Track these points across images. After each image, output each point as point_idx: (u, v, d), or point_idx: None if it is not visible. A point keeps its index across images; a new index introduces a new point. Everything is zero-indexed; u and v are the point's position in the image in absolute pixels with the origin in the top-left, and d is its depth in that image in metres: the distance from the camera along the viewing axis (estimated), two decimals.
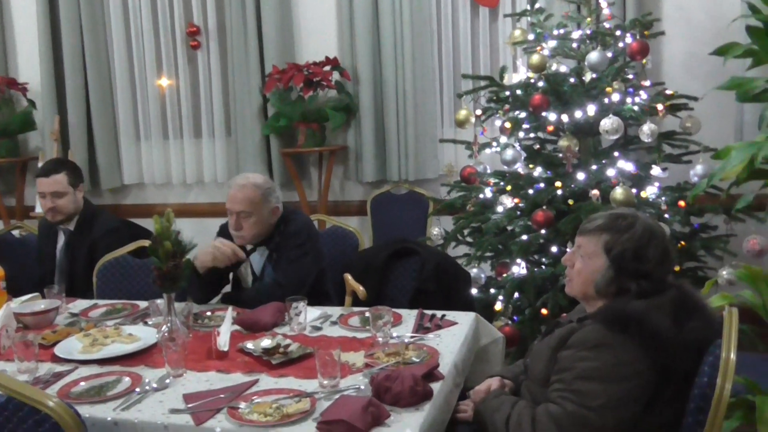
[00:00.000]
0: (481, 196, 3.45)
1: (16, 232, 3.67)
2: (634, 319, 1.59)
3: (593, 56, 3.08)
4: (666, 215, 3.09)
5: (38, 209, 4.70)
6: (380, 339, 2.07)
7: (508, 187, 3.35)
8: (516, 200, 3.31)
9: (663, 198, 3.15)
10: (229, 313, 2.18)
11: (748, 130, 3.60)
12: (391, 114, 4.45)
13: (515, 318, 3.18)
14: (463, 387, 2.02)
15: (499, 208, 3.36)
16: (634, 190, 3.18)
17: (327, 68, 4.38)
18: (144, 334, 2.16)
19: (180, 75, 5.02)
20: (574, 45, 3.31)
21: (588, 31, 3.25)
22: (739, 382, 2.14)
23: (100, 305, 2.63)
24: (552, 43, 3.37)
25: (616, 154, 3.21)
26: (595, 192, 3.07)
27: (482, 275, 3.37)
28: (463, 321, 2.26)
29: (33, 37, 5.08)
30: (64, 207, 3.07)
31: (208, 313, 2.41)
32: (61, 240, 3.19)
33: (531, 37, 3.42)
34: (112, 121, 5.15)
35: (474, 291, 3.48)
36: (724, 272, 2.94)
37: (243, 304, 2.49)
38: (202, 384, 1.80)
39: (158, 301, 2.30)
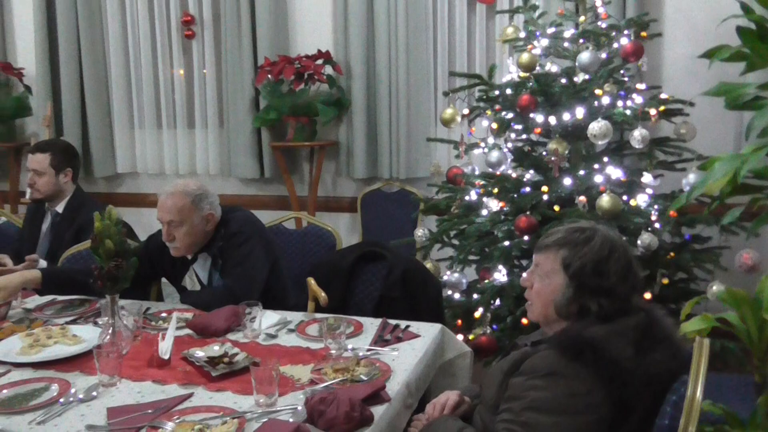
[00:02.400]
0: (467, 197, 3.33)
1: None
2: (590, 345, 1.46)
3: (584, 56, 2.94)
4: (656, 224, 2.95)
5: (28, 195, 4.69)
6: (333, 351, 1.97)
7: (495, 190, 3.23)
8: (501, 204, 3.18)
9: (655, 207, 3.00)
10: (174, 318, 2.08)
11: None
12: (384, 110, 4.34)
13: (494, 326, 3.06)
14: (424, 401, 1.91)
15: (484, 211, 3.24)
16: (624, 197, 3.05)
17: (319, 62, 4.27)
18: (90, 336, 2.07)
19: (174, 64, 4.96)
20: (566, 44, 3.16)
21: (576, 31, 3.10)
22: (715, 413, 2.00)
23: (58, 300, 2.54)
24: (545, 42, 3.23)
25: (605, 159, 3.07)
26: (582, 198, 2.93)
27: (463, 280, 3.25)
28: (427, 334, 2.14)
29: (30, 23, 5.04)
30: (42, 186, 3.13)
31: (164, 314, 2.32)
32: (47, 222, 3.18)
33: (523, 35, 3.28)
34: (107, 109, 5.10)
35: (456, 296, 3.38)
36: (714, 287, 2.80)
37: (198, 308, 2.39)
38: (133, 396, 1.71)
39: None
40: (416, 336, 2.12)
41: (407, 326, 2.19)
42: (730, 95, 1.90)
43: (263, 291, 2.46)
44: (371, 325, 2.21)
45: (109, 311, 1.99)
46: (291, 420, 1.53)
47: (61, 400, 1.66)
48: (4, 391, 1.72)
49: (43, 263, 2.94)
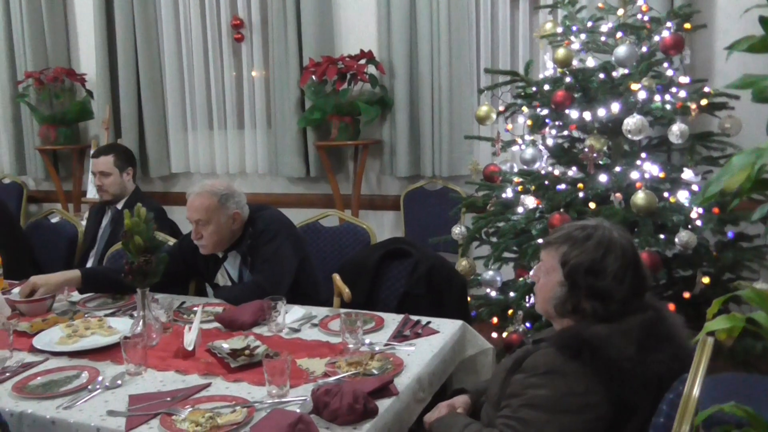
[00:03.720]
0: (504, 195, 3.31)
1: (54, 218, 3.80)
2: (589, 345, 1.44)
3: (621, 50, 2.87)
4: (698, 222, 2.86)
5: (89, 194, 4.96)
6: (351, 346, 2.01)
7: (532, 187, 3.19)
8: (537, 201, 3.15)
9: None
10: (199, 312, 2.17)
11: None
12: (426, 108, 4.35)
13: (528, 325, 3.03)
14: (443, 396, 1.93)
15: (520, 209, 3.22)
16: (666, 194, 2.97)
17: (362, 61, 4.32)
18: (124, 328, 2.19)
19: (225, 67, 5.10)
20: (603, 38, 3.09)
21: (614, 24, 3.03)
22: (738, 414, 1.93)
23: (101, 294, 2.68)
24: (583, 37, 3.18)
25: (643, 155, 2.99)
26: (618, 195, 2.87)
27: (498, 278, 3.23)
28: (447, 330, 2.16)
29: (91, 31, 5.29)
30: (110, 186, 3.36)
31: (196, 308, 2.41)
32: (107, 219, 3.36)
33: (560, 30, 3.23)
34: (162, 111, 5.29)
35: (493, 294, 3.36)
36: (757, 286, 2.68)
37: (229, 303, 2.47)
38: (156, 385, 1.80)
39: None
40: (435, 332, 2.13)
41: (428, 322, 2.21)
42: (755, 87, 1.82)
43: (292, 286, 2.53)
44: (393, 320, 2.24)
45: (139, 304, 2.09)
46: (298, 410, 1.58)
47: (89, 387, 1.76)
48: (39, 378, 1.83)
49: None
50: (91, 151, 4.75)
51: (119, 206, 3.34)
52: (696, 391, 1.31)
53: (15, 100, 5.51)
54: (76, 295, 2.68)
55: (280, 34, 4.67)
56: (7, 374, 1.87)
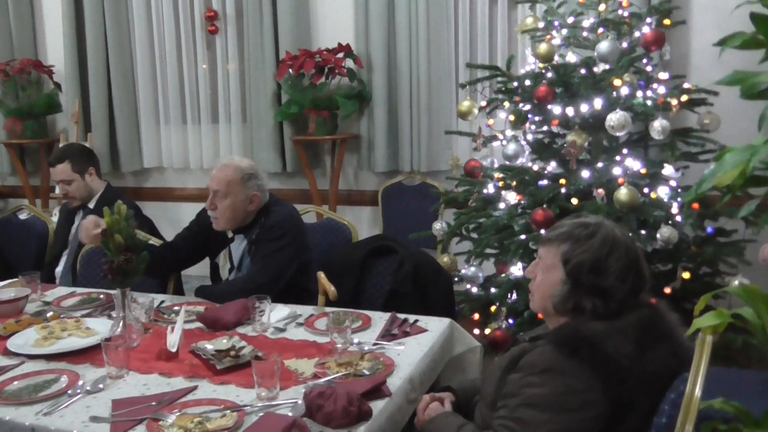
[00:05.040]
0: (485, 191, 3.29)
1: (23, 215, 3.69)
2: (588, 342, 1.43)
3: (603, 46, 2.87)
4: (678, 218, 2.88)
5: (57, 191, 4.82)
6: (339, 345, 1.97)
7: (514, 183, 3.18)
8: (519, 197, 3.14)
9: (678, 199, 2.93)
10: (182, 312, 2.11)
11: None
12: (404, 103, 4.33)
13: (511, 321, 3.02)
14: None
15: (502, 205, 3.21)
16: (646, 190, 2.98)
17: (339, 55, 4.27)
18: (103, 329, 2.11)
19: (198, 60, 5.01)
20: (585, 34, 3.09)
21: (595, 20, 3.03)
22: (728, 411, 1.95)
23: (77, 294, 2.60)
24: (564, 32, 3.17)
25: (625, 151, 3.01)
26: (600, 191, 2.88)
27: (480, 274, 3.22)
28: (435, 328, 2.13)
29: (59, 20, 5.14)
30: (75, 192, 3.22)
31: (177, 308, 2.35)
32: (79, 218, 3.27)
33: (542, 25, 3.22)
34: (133, 104, 5.18)
35: (474, 290, 3.35)
36: (736, 282, 2.72)
37: (214, 299, 2.42)
38: (139, 388, 1.74)
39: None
40: (424, 330, 2.11)
41: (416, 321, 2.19)
42: (745, 84, 1.82)
43: (289, 288, 2.49)
44: (380, 319, 2.21)
45: (119, 305, 2.02)
46: (290, 414, 1.54)
47: (69, 391, 1.69)
48: (15, 382, 1.76)
49: None
50: (60, 145, 4.62)
51: (91, 206, 3.23)
52: (698, 391, 1.30)
53: None
54: (49, 295, 2.59)
55: (256, 26, 4.59)
56: None
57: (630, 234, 2.59)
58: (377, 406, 1.61)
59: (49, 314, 2.32)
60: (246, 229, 2.60)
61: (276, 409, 1.58)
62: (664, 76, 3.08)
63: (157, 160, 5.26)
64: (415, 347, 1.98)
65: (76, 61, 5.11)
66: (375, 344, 2.00)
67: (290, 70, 4.30)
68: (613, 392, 1.41)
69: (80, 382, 1.74)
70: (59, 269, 3.17)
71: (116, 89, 5.07)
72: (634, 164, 2.89)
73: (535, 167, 3.21)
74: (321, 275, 2.39)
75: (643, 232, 2.89)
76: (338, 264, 2.54)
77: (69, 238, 3.23)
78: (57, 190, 4.57)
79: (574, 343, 1.44)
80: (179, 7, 4.97)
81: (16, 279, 2.61)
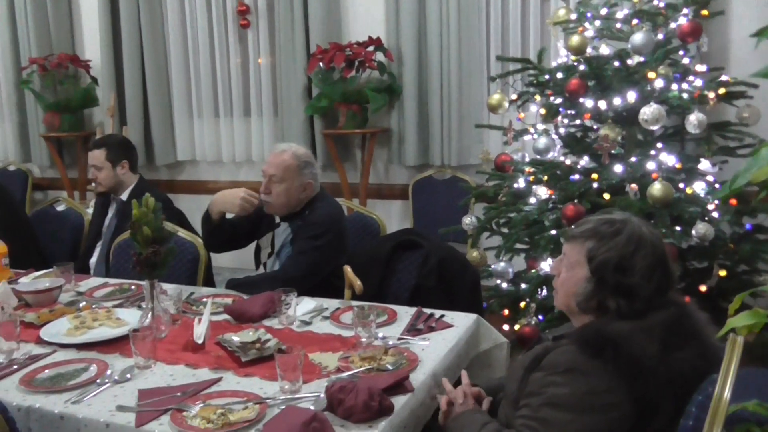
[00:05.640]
0: (515, 185, 3.26)
1: (60, 206, 3.76)
2: (612, 342, 1.40)
3: (637, 38, 2.81)
4: (714, 214, 2.81)
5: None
6: (364, 339, 1.97)
7: (545, 177, 3.14)
8: (550, 192, 3.10)
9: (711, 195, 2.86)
10: (209, 304, 2.13)
11: None
12: (435, 96, 4.30)
13: (541, 317, 2.99)
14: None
15: (532, 199, 3.17)
16: (681, 185, 2.92)
17: (370, 48, 4.26)
18: (133, 319, 2.15)
19: (231, 54, 5.04)
20: (618, 25, 3.03)
21: (630, 11, 2.96)
22: (762, 413, 1.89)
23: (109, 284, 2.65)
24: (598, 24, 3.11)
25: (659, 145, 2.94)
26: (633, 186, 2.82)
27: (510, 269, 3.19)
28: (461, 324, 2.11)
29: (96, 16, 5.22)
30: (103, 180, 3.28)
31: (205, 300, 2.37)
32: (112, 210, 3.32)
33: (574, 16, 3.17)
34: (167, 98, 5.24)
35: (504, 285, 3.33)
36: None
37: (243, 289, 2.44)
38: (165, 379, 1.76)
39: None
40: (449, 326, 2.09)
41: (441, 316, 2.17)
42: None
43: (325, 283, 2.50)
44: (406, 314, 2.20)
45: (147, 296, 2.05)
46: (312, 407, 1.54)
47: (98, 381, 1.72)
48: (47, 371, 1.79)
49: None
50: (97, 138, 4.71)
51: (124, 197, 3.29)
52: (727, 393, 1.26)
53: (19, 87, 5.46)
54: (83, 285, 2.64)
55: (287, 20, 4.60)
56: (15, 366, 1.83)
57: (663, 230, 2.54)
58: (399, 401, 1.60)
59: (81, 304, 2.38)
60: (293, 218, 2.64)
61: (298, 403, 1.59)
62: (701, 68, 3.01)
63: (191, 153, 5.32)
64: (439, 342, 1.97)
65: (111, 56, 5.19)
66: (399, 339, 2.00)
67: (320, 64, 4.30)
68: (637, 393, 1.38)
69: (108, 372, 1.77)
70: (93, 260, 3.23)
71: (150, 83, 5.14)
72: (669, 159, 2.83)
73: (568, 161, 3.16)
74: (347, 269, 2.39)
75: (677, 228, 2.83)
76: (364, 258, 2.53)
77: (102, 230, 3.29)
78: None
79: (598, 343, 1.41)
80: (212, 2, 5.01)
81: (51, 269, 2.66)
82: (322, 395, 1.60)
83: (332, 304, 2.33)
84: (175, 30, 5.12)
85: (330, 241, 2.54)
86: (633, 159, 2.92)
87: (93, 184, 3.41)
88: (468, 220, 3.48)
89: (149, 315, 2.05)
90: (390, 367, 1.77)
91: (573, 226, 1.62)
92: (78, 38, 5.56)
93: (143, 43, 5.10)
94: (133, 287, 2.57)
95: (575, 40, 2.97)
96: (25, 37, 5.41)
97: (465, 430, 1.57)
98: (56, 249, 3.45)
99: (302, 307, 2.27)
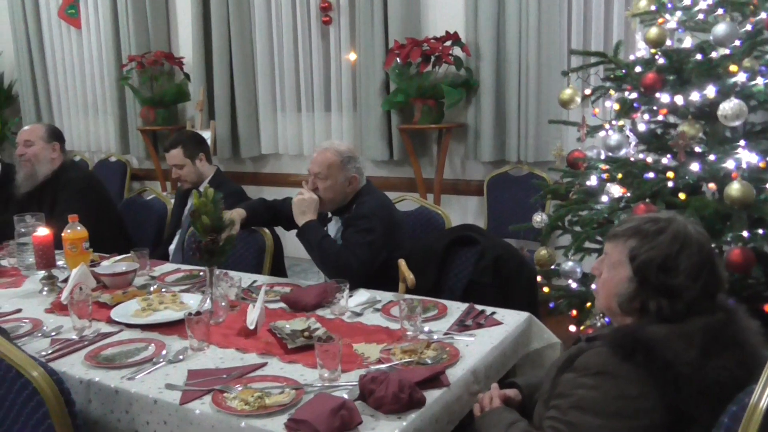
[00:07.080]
0: (588, 183, 3.16)
1: (148, 196, 4.00)
2: (644, 346, 1.34)
3: (719, 29, 2.64)
4: None
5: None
6: (409, 333, 1.98)
7: (619, 175, 3.02)
8: (623, 190, 2.98)
9: None
10: (262, 292, 2.20)
11: None
12: (512, 91, 4.24)
13: (607, 319, 2.88)
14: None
15: (605, 197, 3.06)
16: (766, 186, 2.73)
17: (447, 43, 4.24)
18: (195, 304, 2.26)
19: (313, 50, 5.16)
20: (700, 16, 2.87)
21: (714, 0, 2.79)
22: None
23: (181, 270, 2.79)
24: (680, 14, 2.95)
25: (742, 142, 2.76)
26: (712, 186, 2.67)
27: (578, 269, 3.10)
28: (511, 322, 2.09)
29: (189, 15, 5.49)
30: (186, 176, 3.46)
31: (265, 288, 2.46)
32: (191, 201, 3.49)
33: (654, 7, 3.02)
34: (253, 93, 5.44)
35: (574, 285, 3.23)
36: None
37: (309, 245, 2.56)
38: (215, 361, 1.84)
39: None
40: (498, 323, 2.07)
41: (492, 313, 2.15)
42: None
43: (379, 272, 2.54)
44: (457, 309, 2.20)
45: (207, 282, 2.15)
46: (345, 396, 1.57)
47: (154, 359, 1.83)
48: (110, 348, 1.93)
49: None
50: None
51: (202, 189, 3.45)
52: (764, 403, 1.19)
53: (120, 83, 5.83)
54: (157, 270, 2.80)
55: (367, 16, 4.66)
56: (85, 342, 1.98)
57: (743, 234, 2.39)
58: (433, 395, 1.61)
59: (152, 287, 2.52)
60: (342, 212, 2.71)
61: (333, 391, 1.63)
62: None
63: (274, 146, 5.50)
64: (485, 339, 1.96)
65: (202, 53, 5.45)
66: (446, 334, 2.00)
67: (397, 59, 4.33)
68: (669, 401, 1.31)
69: (164, 352, 1.88)
70: (172, 247, 3.42)
71: (238, 79, 5.35)
72: (751, 157, 2.65)
73: (649, 159, 3.03)
74: (402, 263, 2.41)
75: (760, 231, 2.65)
76: (422, 252, 2.55)
77: (182, 219, 3.47)
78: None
79: (630, 346, 1.36)
80: (296, 1, 5.14)
81: (129, 254, 2.84)
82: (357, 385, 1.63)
83: (386, 296, 2.36)
84: (261, 28, 5.30)
85: (380, 235, 2.56)
86: (712, 157, 2.76)
87: (179, 183, 3.57)
88: (539, 218, 3.40)
89: (208, 300, 2.15)
90: (429, 361, 1.77)
91: (615, 225, 1.56)
92: (173, 37, 5.87)
93: (232, 41, 5.31)
94: (201, 273, 2.70)
95: (653, 32, 2.83)
96: (126, 35, 5.77)
97: (492, 429, 1.56)
98: (143, 235, 3.67)
99: (356, 298, 2.31)
